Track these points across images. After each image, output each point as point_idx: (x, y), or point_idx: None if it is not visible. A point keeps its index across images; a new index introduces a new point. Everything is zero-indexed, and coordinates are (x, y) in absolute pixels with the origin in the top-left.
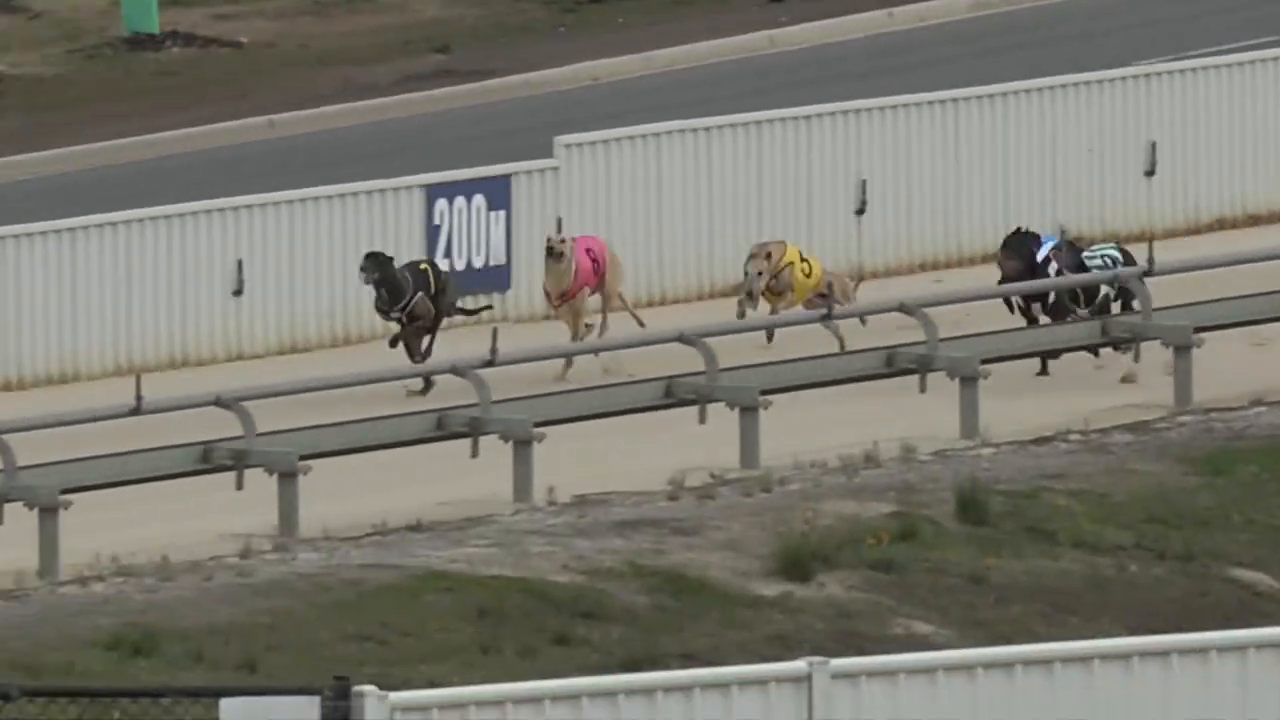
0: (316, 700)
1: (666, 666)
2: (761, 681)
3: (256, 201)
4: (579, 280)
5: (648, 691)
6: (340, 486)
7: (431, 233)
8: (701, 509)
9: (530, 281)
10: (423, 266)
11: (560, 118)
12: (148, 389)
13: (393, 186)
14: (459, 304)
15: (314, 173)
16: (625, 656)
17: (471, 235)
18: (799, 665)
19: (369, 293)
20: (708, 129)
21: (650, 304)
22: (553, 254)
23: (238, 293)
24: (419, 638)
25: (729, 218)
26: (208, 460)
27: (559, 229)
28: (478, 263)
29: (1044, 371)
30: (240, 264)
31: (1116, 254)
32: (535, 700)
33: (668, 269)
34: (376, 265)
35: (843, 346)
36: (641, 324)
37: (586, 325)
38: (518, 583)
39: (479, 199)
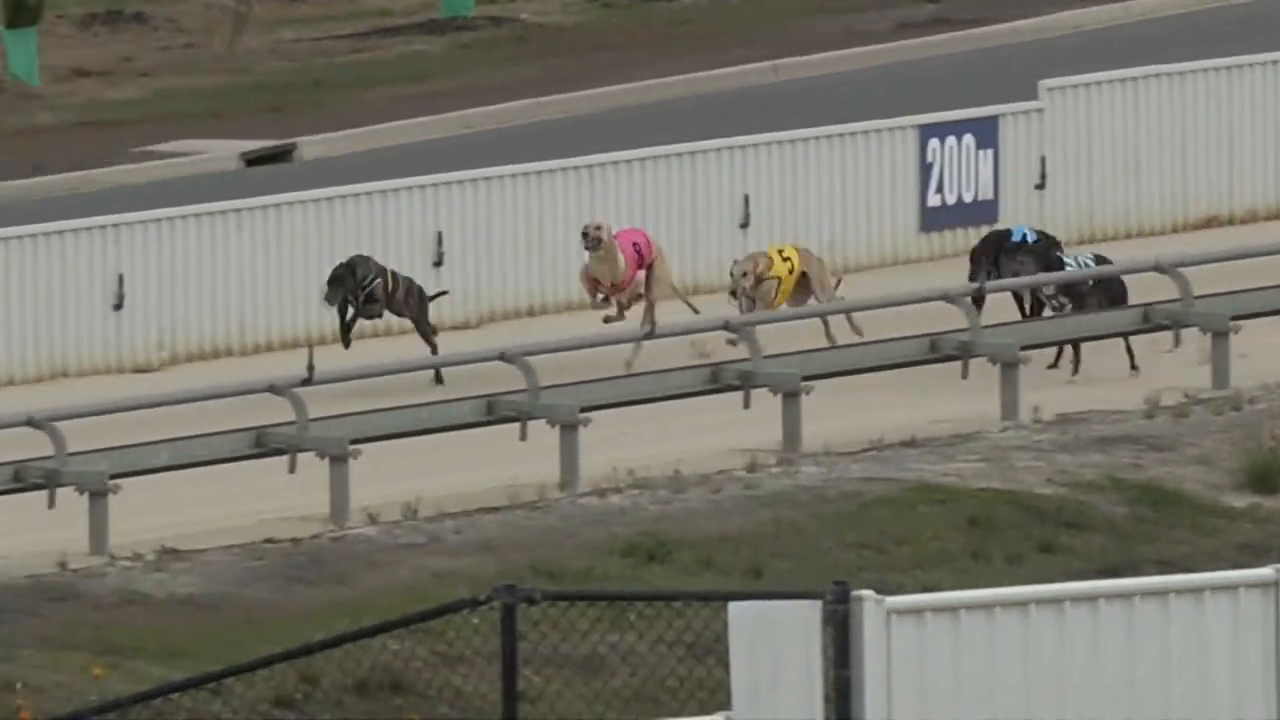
0: (818, 604)
1: (1143, 572)
2: (1231, 587)
3: (762, 141)
4: (631, 269)
5: (1125, 596)
6: (840, 405)
7: (924, 170)
8: (1176, 426)
9: (1016, 217)
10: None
11: (1044, 62)
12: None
13: (888, 127)
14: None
15: (814, 114)
16: (1104, 563)
17: (961, 173)
18: (1266, 572)
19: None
20: (1181, 74)
21: (1127, 236)
22: (589, 241)
23: (744, 225)
24: (913, 545)
25: (1201, 156)
26: (716, 380)
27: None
28: (967, 198)
29: (1056, 365)
30: (747, 199)
31: (1090, 259)
32: (1021, 604)
33: (1144, 204)
34: (340, 283)
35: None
36: (696, 310)
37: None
38: (1005, 495)
39: (968, 138)
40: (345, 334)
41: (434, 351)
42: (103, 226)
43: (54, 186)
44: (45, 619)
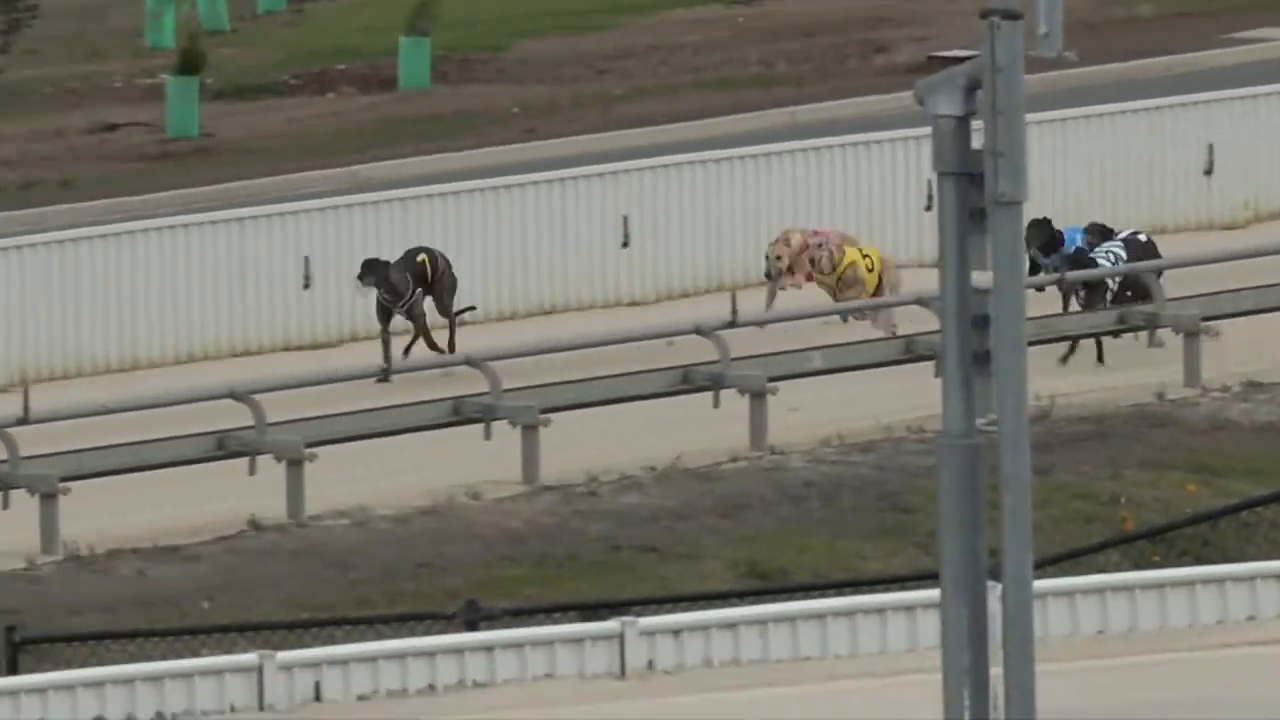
0: None
1: None
2: None
3: None
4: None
5: None
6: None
7: None
8: None
9: None
10: (420, 257)
11: None
12: None
13: None
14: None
15: None
16: None
17: None
18: None
19: None
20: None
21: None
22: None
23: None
24: None
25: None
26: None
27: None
28: None
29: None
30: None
31: (1121, 251)
32: None
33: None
34: (373, 269)
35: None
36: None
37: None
38: None
39: None
40: None
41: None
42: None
43: (1151, 69)
44: (1147, 442)
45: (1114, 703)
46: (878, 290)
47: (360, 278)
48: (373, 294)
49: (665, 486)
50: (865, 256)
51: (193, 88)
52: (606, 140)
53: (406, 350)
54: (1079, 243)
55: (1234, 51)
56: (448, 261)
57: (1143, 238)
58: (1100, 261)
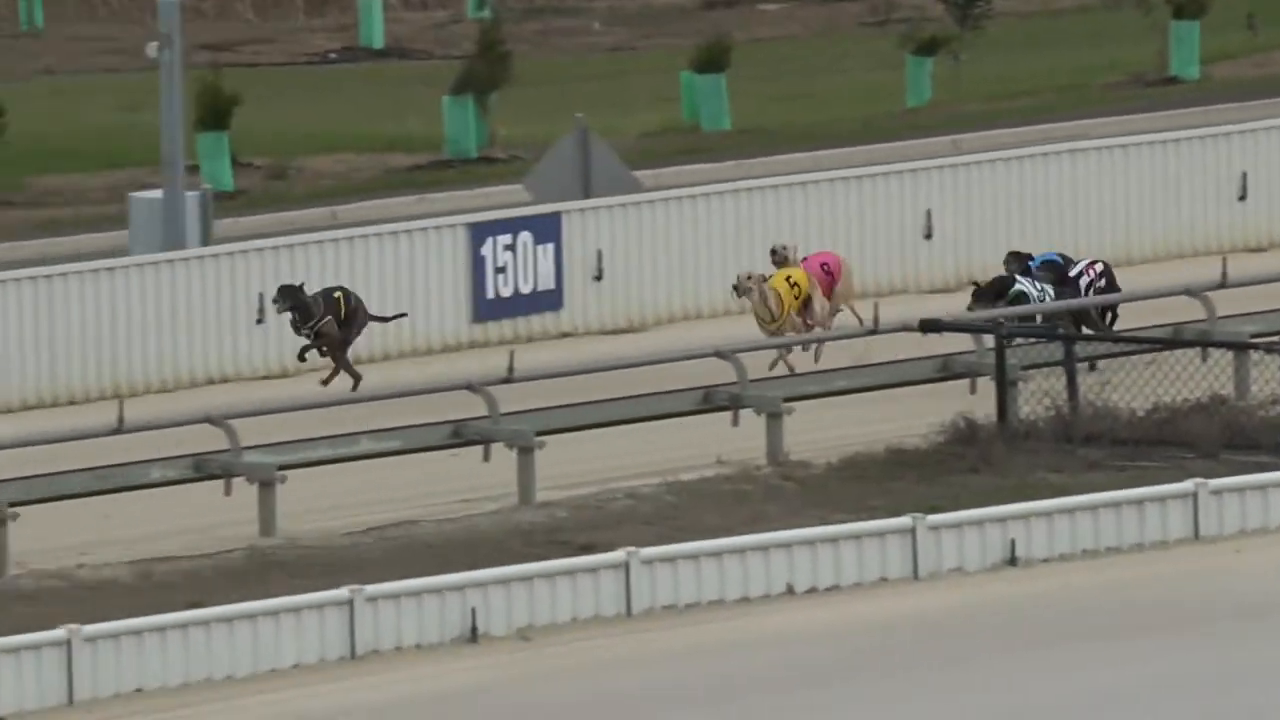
0: None
1: None
2: None
3: None
4: (822, 288)
5: None
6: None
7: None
8: None
9: None
10: (336, 294)
11: None
12: None
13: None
14: (375, 314)
15: None
16: None
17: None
18: None
19: None
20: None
21: None
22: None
23: None
24: None
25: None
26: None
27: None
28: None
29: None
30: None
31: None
32: None
33: None
34: (288, 295)
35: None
36: (861, 320)
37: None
38: None
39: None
40: None
41: None
42: None
43: None
44: None
45: None
46: (804, 308)
47: (275, 301)
48: (286, 316)
49: None
50: (789, 279)
51: None
52: None
53: (325, 381)
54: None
55: None
56: (360, 300)
57: (1098, 267)
58: (1032, 295)
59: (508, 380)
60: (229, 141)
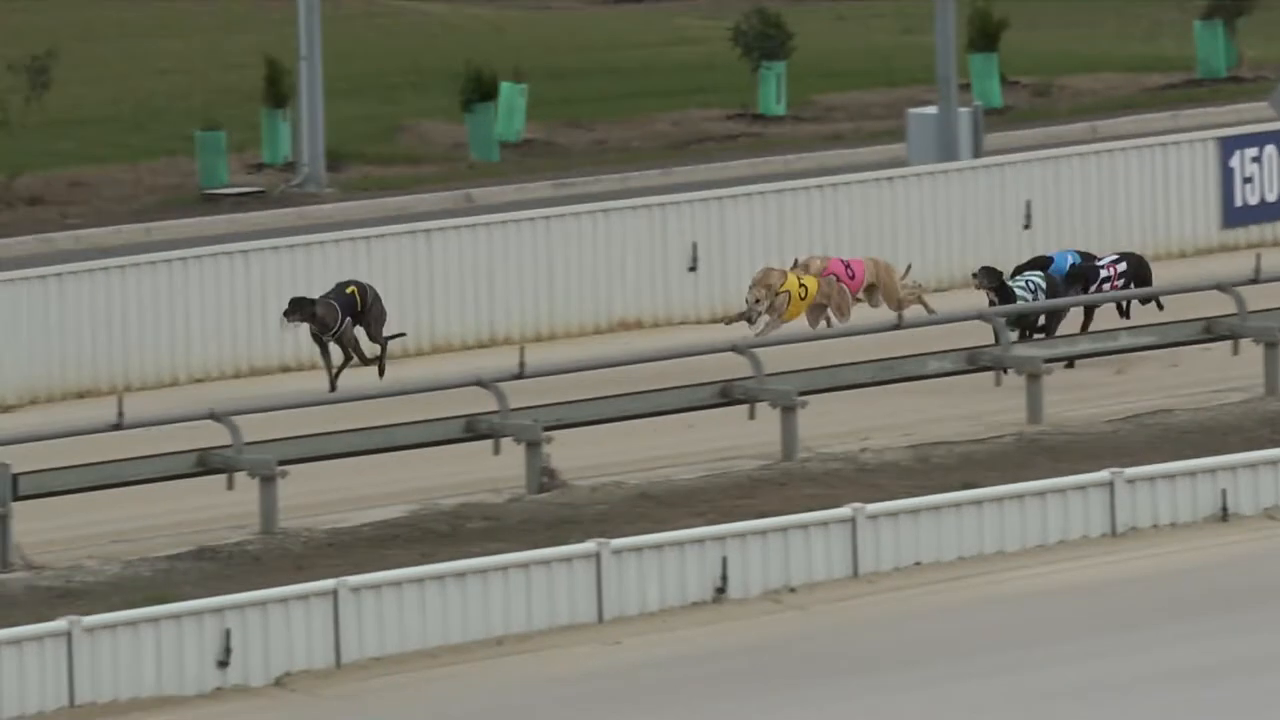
0: None
1: None
2: None
3: None
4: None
5: None
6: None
7: None
8: None
9: None
10: (349, 289)
11: None
12: None
13: None
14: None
15: None
16: None
17: None
18: None
19: None
20: None
21: None
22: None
23: None
24: None
25: None
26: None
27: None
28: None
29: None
30: None
31: (1040, 280)
32: None
33: None
34: (299, 307)
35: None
36: (930, 310)
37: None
38: None
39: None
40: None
41: None
42: None
43: None
44: None
45: None
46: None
47: (286, 314)
48: (304, 328)
49: None
50: (802, 286)
51: None
52: None
53: (337, 373)
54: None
55: None
56: (377, 294)
57: (1120, 266)
58: (1020, 293)
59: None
60: (998, 61)
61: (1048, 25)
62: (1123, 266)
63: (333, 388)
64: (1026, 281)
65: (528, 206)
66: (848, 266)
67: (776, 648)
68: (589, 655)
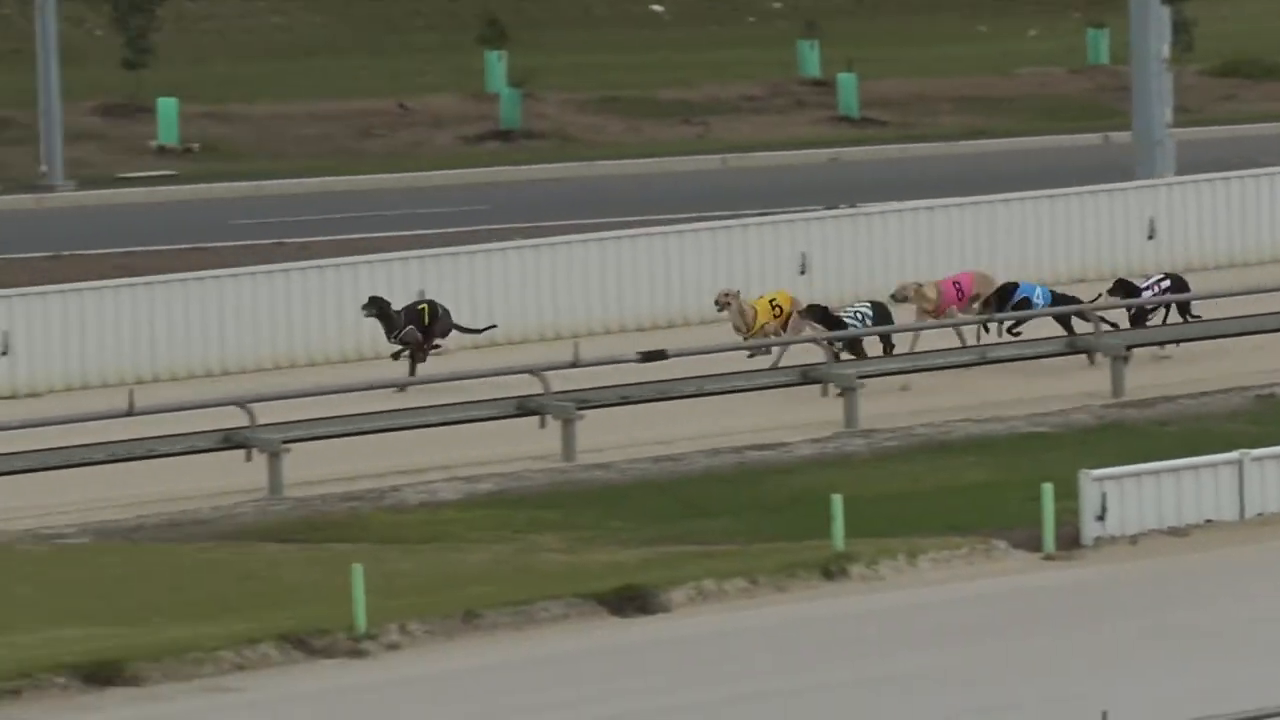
0: None
1: None
2: None
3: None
4: (945, 300)
5: None
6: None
7: None
8: None
9: None
10: (420, 307)
11: None
12: None
13: None
14: (462, 325)
15: None
16: None
17: None
18: None
19: None
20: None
21: None
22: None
23: None
24: None
25: None
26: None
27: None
28: None
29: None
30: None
31: (869, 309)
32: None
33: None
34: (374, 304)
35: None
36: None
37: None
38: None
39: None
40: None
41: None
42: None
43: None
44: None
45: None
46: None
47: (364, 307)
48: (375, 322)
49: None
50: (773, 303)
51: None
52: None
53: (396, 355)
54: (1034, 295)
55: None
56: (446, 311)
57: (1165, 283)
58: (849, 320)
59: None
60: None
61: None
62: (1167, 284)
63: (412, 371)
64: (855, 312)
65: None
66: (956, 284)
67: None
68: None
